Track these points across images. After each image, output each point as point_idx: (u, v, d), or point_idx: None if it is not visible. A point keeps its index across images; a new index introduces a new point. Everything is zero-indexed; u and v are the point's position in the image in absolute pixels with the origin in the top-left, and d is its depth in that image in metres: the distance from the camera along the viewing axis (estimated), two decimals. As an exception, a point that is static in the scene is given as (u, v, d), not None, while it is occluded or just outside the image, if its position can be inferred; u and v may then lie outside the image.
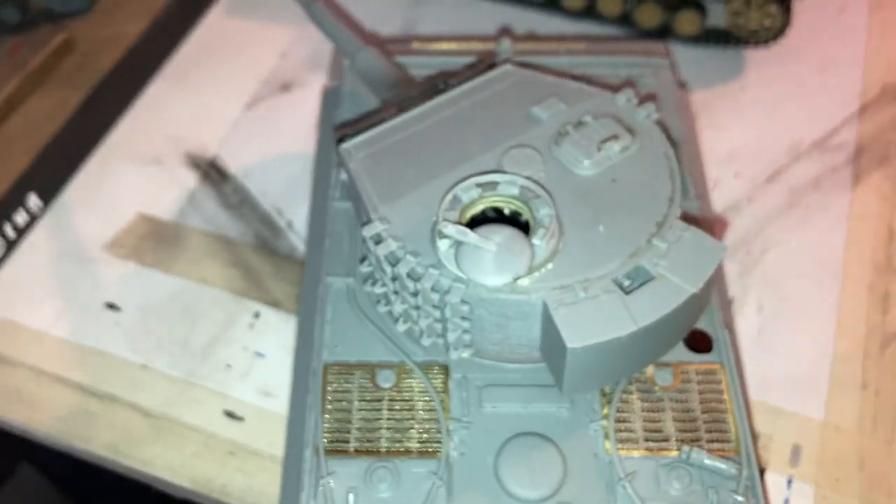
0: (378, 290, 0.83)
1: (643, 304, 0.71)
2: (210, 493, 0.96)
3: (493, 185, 0.78)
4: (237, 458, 0.98)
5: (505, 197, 0.78)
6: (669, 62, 1.09)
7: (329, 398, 0.80)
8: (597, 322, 0.70)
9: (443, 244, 0.74)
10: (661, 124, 0.90)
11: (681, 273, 0.72)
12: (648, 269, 0.73)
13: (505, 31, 1.40)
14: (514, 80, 0.89)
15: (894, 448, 1.00)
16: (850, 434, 1.01)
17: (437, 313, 0.76)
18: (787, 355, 1.07)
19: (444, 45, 1.18)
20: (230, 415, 1.02)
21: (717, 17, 1.33)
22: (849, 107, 1.30)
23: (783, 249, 1.15)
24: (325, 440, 0.77)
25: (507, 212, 0.79)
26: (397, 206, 0.79)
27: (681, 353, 0.82)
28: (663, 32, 1.37)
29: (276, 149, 1.27)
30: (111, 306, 1.11)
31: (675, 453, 0.76)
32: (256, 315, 1.10)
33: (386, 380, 0.80)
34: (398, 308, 0.80)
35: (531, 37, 1.40)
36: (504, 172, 0.80)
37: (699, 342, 0.84)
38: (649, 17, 1.36)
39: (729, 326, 0.89)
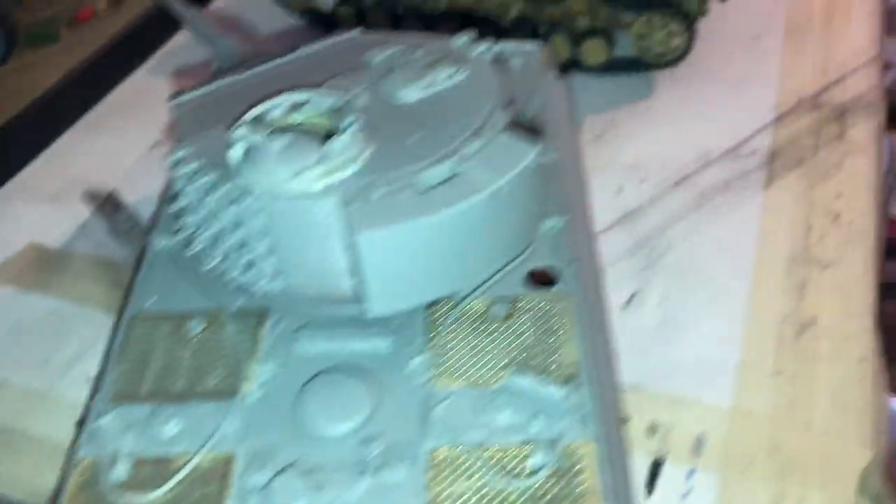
0: (186, 231, 0.78)
1: (439, 197, 0.65)
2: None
3: (298, 106, 0.75)
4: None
5: (310, 115, 0.74)
6: (543, 51, 1.07)
7: (131, 348, 0.73)
8: (389, 213, 0.64)
9: (234, 152, 0.70)
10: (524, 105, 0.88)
11: (482, 171, 0.67)
12: (452, 169, 0.68)
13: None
14: (360, 41, 0.88)
15: (811, 433, 0.89)
16: (761, 420, 0.90)
17: (240, 235, 0.71)
18: (691, 345, 0.97)
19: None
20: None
21: (624, 44, 1.33)
22: (763, 118, 1.26)
23: (690, 244, 1.08)
24: (116, 388, 0.70)
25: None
26: (205, 137, 0.75)
27: (518, 287, 0.74)
28: (572, 65, 1.37)
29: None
30: (-20, 329, 1.07)
31: (499, 384, 0.67)
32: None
33: (195, 327, 0.74)
34: (203, 242, 0.75)
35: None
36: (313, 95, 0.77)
37: (542, 277, 0.76)
38: (557, 51, 1.36)
39: (585, 260, 0.82)
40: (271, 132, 0.71)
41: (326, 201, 0.67)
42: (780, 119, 1.26)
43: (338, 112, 0.74)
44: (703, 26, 1.38)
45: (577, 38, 1.34)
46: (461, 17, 1.40)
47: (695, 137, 1.23)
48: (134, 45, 1.48)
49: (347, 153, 0.69)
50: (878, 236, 1.10)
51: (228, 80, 0.85)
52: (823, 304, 1.00)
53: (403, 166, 0.69)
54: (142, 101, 1.42)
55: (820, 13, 1.47)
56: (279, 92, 0.78)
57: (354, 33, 0.90)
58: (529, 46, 1.03)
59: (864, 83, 1.31)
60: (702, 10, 1.28)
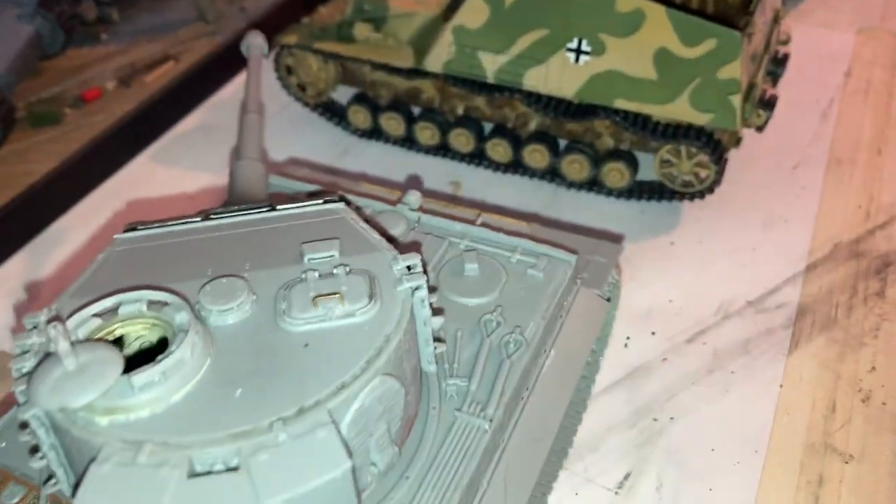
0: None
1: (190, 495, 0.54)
2: None
3: (155, 305, 0.64)
4: None
5: (155, 322, 0.64)
6: (580, 262, 0.89)
7: None
8: (118, 494, 0.53)
9: (26, 363, 0.61)
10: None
11: (267, 475, 0.55)
12: (239, 458, 0.56)
13: (414, 181, 1.33)
14: (331, 218, 0.78)
15: None
16: None
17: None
18: (686, 547, 0.86)
19: (349, 184, 1.10)
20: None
21: (648, 169, 1.23)
22: (794, 266, 1.15)
23: (696, 419, 0.97)
24: None
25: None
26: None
27: None
28: (592, 185, 1.27)
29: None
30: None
31: None
32: None
33: (11, 496, 0.66)
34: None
35: (451, 196, 1.31)
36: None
37: None
38: (577, 170, 1.27)
39: None
40: (77, 342, 0.60)
41: (97, 441, 0.57)
42: (811, 268, 1.14)
43: (179, 329, 0.62)
44: (738, 153, 1.28)
45: (599, 159, 1.25)
46: (476, 124, 1.32)
47: (717, 283, 1.12)
48: (140, 127, 1.43)
49: (151, 391, 0.58)
50: (914, 424, 0.98)
51: (180, 226, 0.77)
52: (842, 508, 0.89)
53: (200, 430, 0.57)
54: (133, 192, 1.37)
55: (868, 142, 1.35)
56: (202, 260, 0.70)
57: (338, 206, 0.77)
58: (564, 255, 0.87)
59: (911, 230, 1.19)
60: (734, 142, 1.18)
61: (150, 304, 0.64)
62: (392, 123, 1.36)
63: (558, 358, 0.83)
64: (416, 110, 1.36)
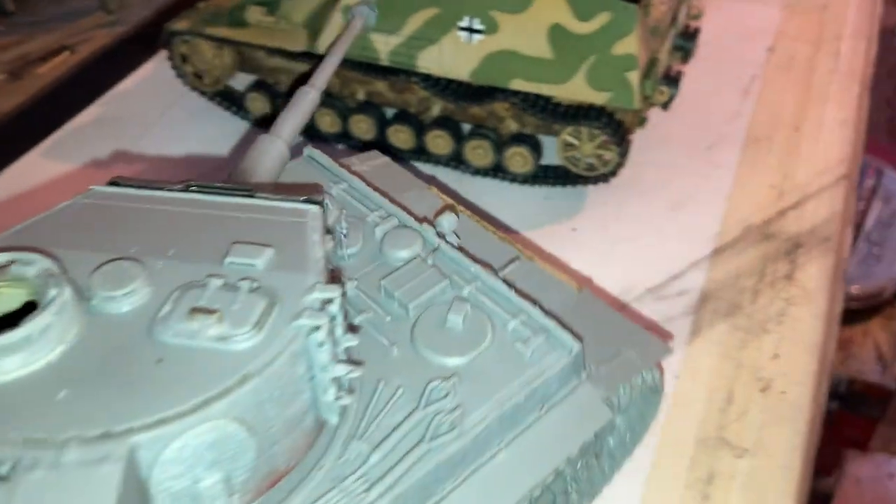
0: None
1: None
2: None
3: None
4: None
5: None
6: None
7: None
8: None
9: None
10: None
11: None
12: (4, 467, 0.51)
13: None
14: (292, 221, 0.69)
15: None
16: None
17: None
18: (562, 553, 0.81)
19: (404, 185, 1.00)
20: None
21: (553, 153, 1.17)
22: (700, 250, 1.09)
23: (584, 415, 0.92)
24: None
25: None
26: None
27: None
28: (496, 171, 1.22)
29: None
30: None
31: None
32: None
33: None
34: None
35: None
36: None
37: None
38: (480, 156, 1.21)
39: None
40: None
41: None
42: (718, 251, 1.09)
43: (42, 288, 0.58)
44: (652, 130, 1.23)
45: (502, 144, 1.19)
46: (378, 110, 1.26)
47: (617, 270, 1.07)
48: (32, 122, 1.36)
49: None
50: (814, 416, 0.93)
51: (151, 192, 0.71)
52: (732, 506, 0.84)
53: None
54: (23, 187, 1.30)
55: (788, 119, 1.30)
56: (148, 235, 0.66)
57: (309, 209, 0.70)
58: (567, 337, 0.72)
59: (825, 210, 1.14)
60: (637, 122, 1.13)
61: (39, 271, 0.60)
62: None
63: (513, 461, 0.68)
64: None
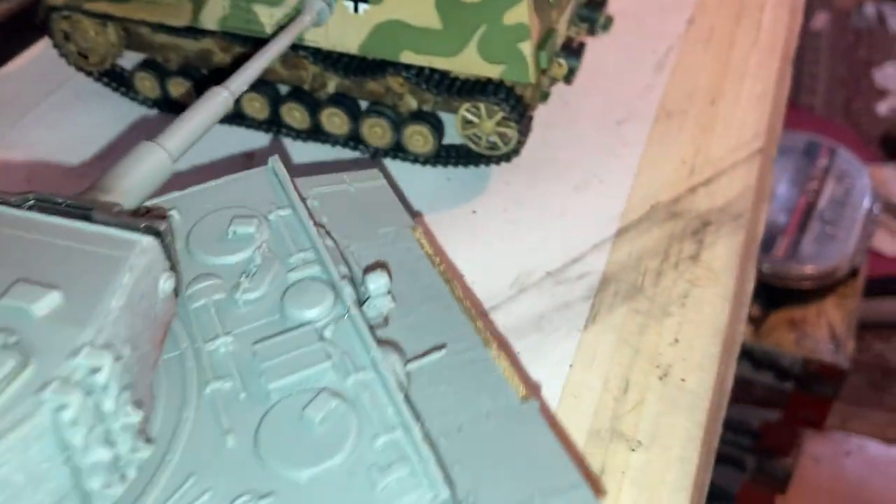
0: None
1: None
2: None
3: None
4: None
5: None
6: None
7: None
8: None
9: None
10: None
11: None
12: None
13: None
14: (108, 255, 0.60)
15: None
16: None
17: None
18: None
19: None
20: None
21: (454, 132, 1.11)
22: (603, 231, 1.04)
23: (470, 409, 0.86)
24: None
25: None
26: None
27: None
28: (396, 151, 1.15)
29: None
30: None
31: None
32: None
33: None
34: None
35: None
36: None
37: None
38: (378, 135, 1.14)
39: None
40: None
41: None
42: (622, 232, 1.03)
43: None
44: (561, 106, 1.17)
45: (401, 122, 1.12)
46: (272, 87, 1.18)
47: (517, 254, 1.01)
48: None
49: None
50: (717, 404, 0.88)
51: None
52: (622, 503, 0.78)
53: None
54: None
55: (703, 93, 1.24)
56: None
57: (141, 241, 0.61)
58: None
59: (737, 185, 1.09)
60: (539, 97, 1.07)
61: None
62: (181, 90, 1.22)
63: None
64: (208, 75, 1.22)
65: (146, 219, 0.63)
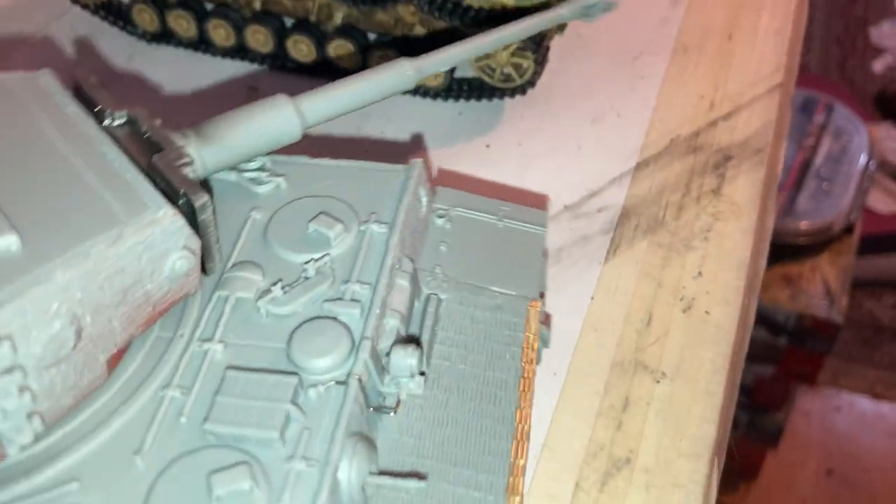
0: None
1: None
2: None
3: None
4: None
5: None
6: None
7: None
8: None
9: None
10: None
11: None
12: None
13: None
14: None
15: None
16: None
17: None
18: None
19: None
20: None
21: (465, 66, 1.07)
22: (622, 164, 1.01)
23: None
24: None
25: None
26: None
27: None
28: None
29: None
30: None
31: None
32: None
33: None
34: None
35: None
36: None
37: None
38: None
39: None
40: None
41: None
42: (642, 165, 1.01)
43: None
44: (576, 39, 1.13)
45: (411, 55, 1.08)
46: (277, 20, 1.14)
47: (532, 187, 0.98)
48: None
49: None
50: (741, 338, 0.86)
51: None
52: (647, 434, 0.76)
53: None
54: None
55: (720, 27, 1.21)
56: None
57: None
58: None
59: (757, 120, 1.06)
60: (556, 28, 1.03)
61: None
62: (182, 23, 1.18)
63: None
64: (210, 7, 1.18)
65: (194, 188, 0.58)
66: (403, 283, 0.65)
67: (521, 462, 0.58)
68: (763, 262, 0.98)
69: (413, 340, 0.63)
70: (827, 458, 3.19)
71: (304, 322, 0.60)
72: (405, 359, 0.60)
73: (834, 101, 3.15)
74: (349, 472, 0.53)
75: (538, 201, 0.95)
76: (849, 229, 2.89)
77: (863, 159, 3.02)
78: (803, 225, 2.78)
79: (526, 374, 0.63)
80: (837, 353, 3.08)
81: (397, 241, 0.65)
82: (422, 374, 0.61)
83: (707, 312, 0.85)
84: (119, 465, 0.53)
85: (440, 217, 0.73)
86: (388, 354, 0.61)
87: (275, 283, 0.63)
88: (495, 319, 0.67)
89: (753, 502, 2.88)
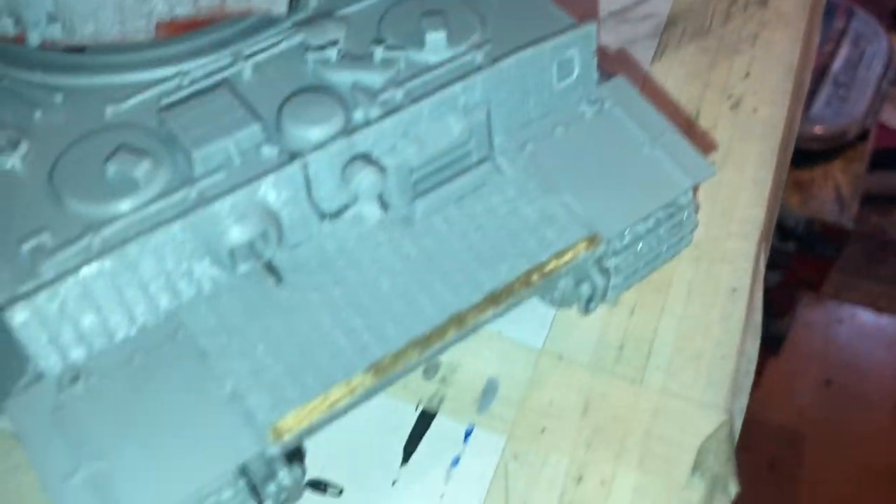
0: None
1: None
2: None
3: None
4: None
5: None
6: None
7: None
8: None
9: None
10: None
11: None
12: None
13: None
14: None
15: (641, 389, 0.65)
16: (575, 367, 0.66)
17: None
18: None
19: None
20: None
21: None
22: (669, -27, 0.98)
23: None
24: None
25: None
26: None
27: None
28: None
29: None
30: None
31: None
32: None
33: None
34: None
35: None
36: None
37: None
38: None
39: None
40: None
41: None
42: (688, -24, 0.98)
43: None
44: None
45: None
46: None
47: (579, -6, 0.96)
48: None
49: None
50: (787, 140, 0.84)
51: None
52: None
53: None
54: None
55: None
56: None
57: None
58: None
59: (809, -65, 1.03)
60: None
61: None
62: None
63: None
64: None
65: None
66: (454, 123, 0.57)
67: None
68: (809, 75, 0.96)
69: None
70: (826, 368, 3.23)
71: (298, 93, 0.56)
72: (364, 174, 0.53)
73: (855, 7, 3.09)
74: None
75: (588, 3, 0.93)
76: (863, 136, 2.86)
77: (881, 66, 2.96)
78: (818, 129, 2.74)
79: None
80: (842, 267, 3.08)
81: (481, 81, 0.57)
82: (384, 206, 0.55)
83: (755, 110, 0.84)
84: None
85: (591, 103, 0.64)
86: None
87: (327, 42, 0.60)
88: (535, 228, 0.57)
89: (751, 408, 2.93)
